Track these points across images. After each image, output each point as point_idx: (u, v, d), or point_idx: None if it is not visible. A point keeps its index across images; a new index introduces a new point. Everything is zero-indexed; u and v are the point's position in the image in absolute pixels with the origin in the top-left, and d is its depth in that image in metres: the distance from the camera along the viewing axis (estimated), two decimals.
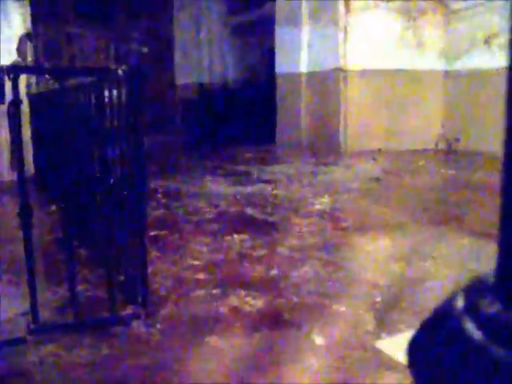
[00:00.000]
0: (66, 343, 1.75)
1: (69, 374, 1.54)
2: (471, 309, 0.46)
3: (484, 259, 2.56)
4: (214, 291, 2.25)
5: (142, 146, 1.86)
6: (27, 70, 2.94)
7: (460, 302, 0.47)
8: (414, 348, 0.50)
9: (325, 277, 2.40)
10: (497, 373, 0.43)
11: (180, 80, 11.25)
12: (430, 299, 2.13)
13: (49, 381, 1.52)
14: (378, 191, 4.34)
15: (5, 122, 3.81)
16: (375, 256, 2.75)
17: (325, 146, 6.83)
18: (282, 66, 7.30)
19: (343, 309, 2.04)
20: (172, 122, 10.62)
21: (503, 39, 5.78)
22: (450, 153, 6.34)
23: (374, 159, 5.92)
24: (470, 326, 0.44)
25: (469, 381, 0.44)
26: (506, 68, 0.53)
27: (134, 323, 1.92)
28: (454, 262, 2.58)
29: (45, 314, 1.93)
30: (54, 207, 3.49)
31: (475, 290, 0.47)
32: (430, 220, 3.40)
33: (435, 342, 0.48)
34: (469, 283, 0.49)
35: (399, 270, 2.49)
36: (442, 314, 0.47)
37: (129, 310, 2.02)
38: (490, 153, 5.81)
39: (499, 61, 5.85)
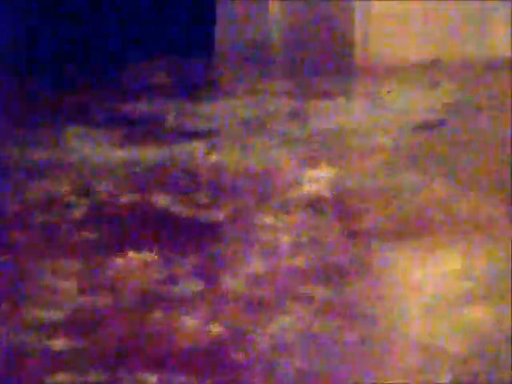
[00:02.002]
0: None
1: None
2: None
3: None
4: (93, 375, 1.87)
5: None
6: None
7: None
8: None
9: (326, 340, 2.01)
10: None
11: None
12: None
13: None
14: (436, 152, 3.80)
15: None
16: (430, 292, 2.32)
17: (320, 53, 5.88)
18: None
19: None
20: None
21: None
22: None
23: (433, 82, 5.11)
24: None
25: None
26: None
27: None
28: None
29: None
30: None
31: None
32: None
33: None
34: None
35: (481, 322, 2.09)
36: None
37: None
38: None
39: None
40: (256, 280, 2.49)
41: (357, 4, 5.99)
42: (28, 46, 6.98)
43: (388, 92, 5.42)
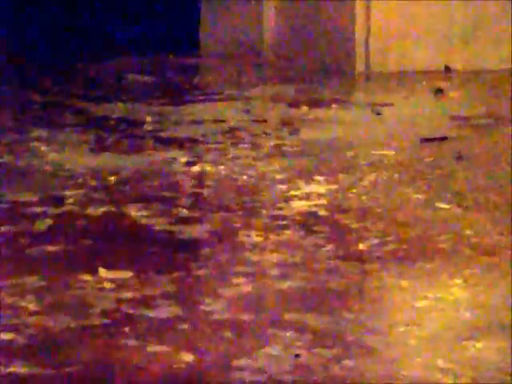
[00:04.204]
0: None
1: None
2: None
3: None
4: None
5: None
6: None
7: None
8: None
9: (318, 372, 1.79)
10: None
11: None
12: None
13: None
14: (444, 168, 3.71)
15: None
16: (430, 322, 2.13)
17: (316, 56, 5.79)
18: None
19: None
20: None
21: None
22: None
23: (439, 92, 5.07)
24: None
25: None
26: None
27: None
28: None
29: None
30: None
31: None
32: None
33: None
34: None
35: (482, 355, 1.87)
36: None
37: None
38: None
39: None
40: (240, 304, 2.32)
41: (358, 5, 5.79)
42: None
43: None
